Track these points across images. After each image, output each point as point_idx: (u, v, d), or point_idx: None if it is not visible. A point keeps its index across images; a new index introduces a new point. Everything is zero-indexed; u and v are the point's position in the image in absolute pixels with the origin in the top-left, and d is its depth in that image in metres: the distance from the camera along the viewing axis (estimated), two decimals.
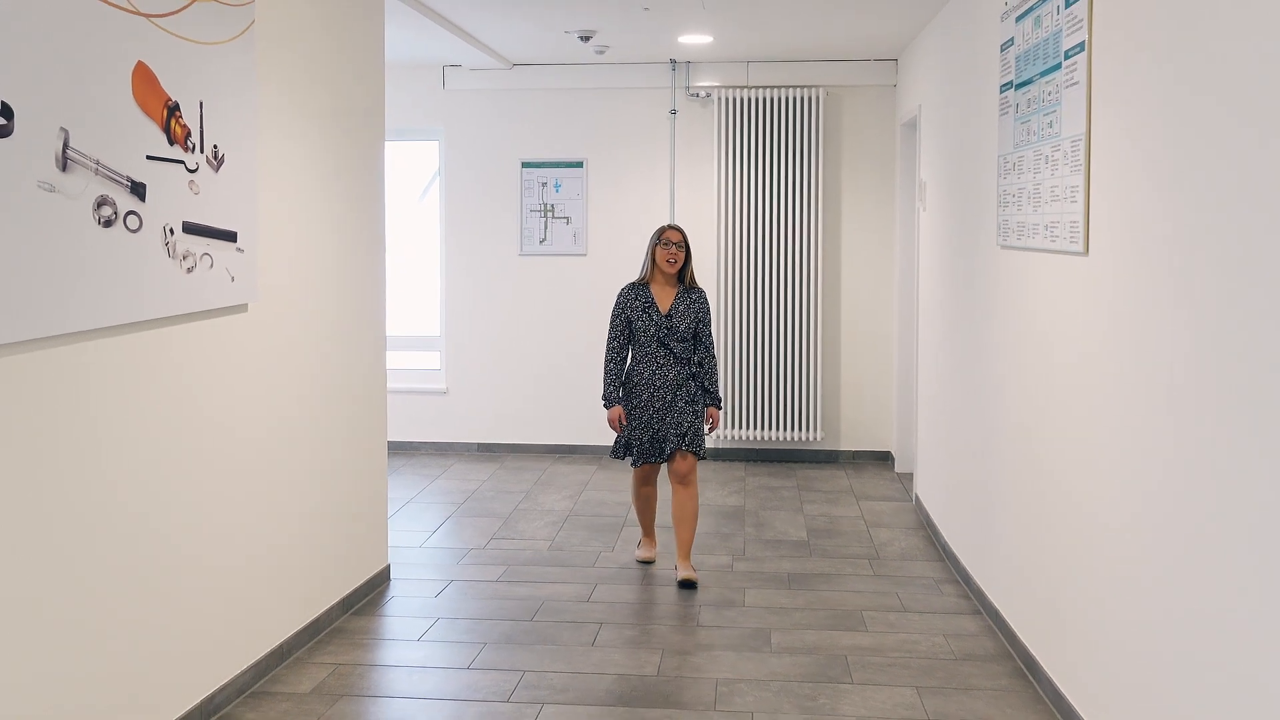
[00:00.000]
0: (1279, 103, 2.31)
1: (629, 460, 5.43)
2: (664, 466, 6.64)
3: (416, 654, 4.30)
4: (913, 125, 7.31)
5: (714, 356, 5.43)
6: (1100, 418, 3.38)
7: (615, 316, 5.36)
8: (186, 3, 3.32)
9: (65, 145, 2.78)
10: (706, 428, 5.41)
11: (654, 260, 5.34)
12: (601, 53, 7.48)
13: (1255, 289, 2.40)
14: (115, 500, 3.11)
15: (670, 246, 5.31)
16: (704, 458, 5.43)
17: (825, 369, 8.03)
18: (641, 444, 5.34)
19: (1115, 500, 3.25)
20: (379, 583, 5.13)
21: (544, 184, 8.18)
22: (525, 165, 8.17)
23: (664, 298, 5.35)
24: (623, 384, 5.36)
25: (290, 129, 4.17)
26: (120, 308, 3.04)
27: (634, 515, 6.02)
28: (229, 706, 3.72)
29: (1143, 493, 3.03)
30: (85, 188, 2.86)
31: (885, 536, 6.06)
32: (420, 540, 5.97)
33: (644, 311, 5.30)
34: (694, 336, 5.36)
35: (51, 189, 2.73)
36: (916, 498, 6.66)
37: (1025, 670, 4.10)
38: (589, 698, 3.86)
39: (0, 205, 2.55)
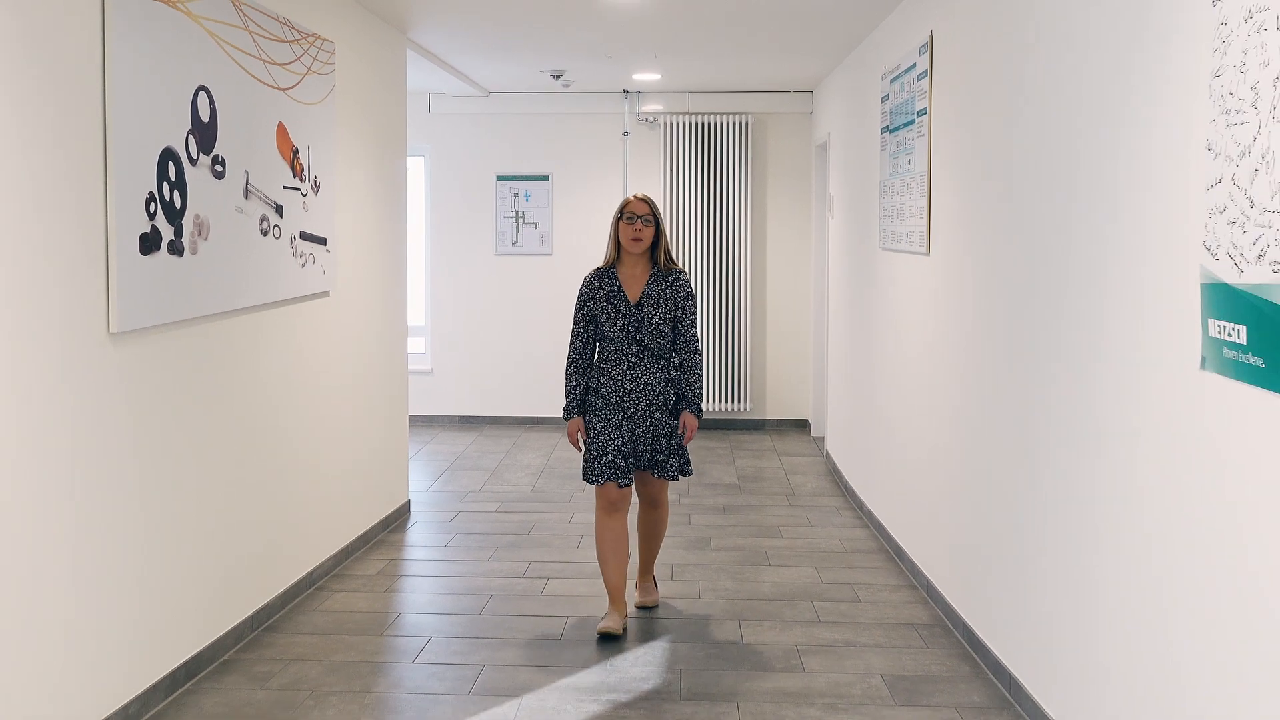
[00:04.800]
0: (1006, 162, 3.85)
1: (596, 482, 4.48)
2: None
3: (447, 554, 5.74)
4: (824, 148, 8.85)
5: (699, 355, 4.56)
6: (933, 373, 4.92)
7: (577, 310, 4.53)
8: (302, 78, 4.74)
9: (247, 182, 4.19)
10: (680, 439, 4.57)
11: (618, 239, 4.50)
12: (567, 85, 8.93)
13: (1009, 280, 3.95)
14: (261, 423, 4.52)
15: (635, 221, 4.45)
16: (689, 474, 4.65)
17: (753, 351, 9.56)
18: (605, 458, 4.45)
19: (933, 430, 4.79)
20: (403, 512, 6.53)
21: (515, 194, 9.62)
22: (499, 178, 9.60)
23: (634, 283, 4.51)
24: (587, 389, 4.56)
25: (352, 158, 5.58)
26: (270, 291, 4.45)
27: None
28: (322, 580, 5.14)
29: (952, 420, 4.57)
30: (255, 209, 4.28)
31: (800, 481, 7.58)
32: (426, 486, 7.37)
33: (609, 301, 4.47)
34: (673, 329, 4.52)
35: (240, 211, 4.14)
36: (827, 453, 8.19)
37: (895, 556, 5.63)
38: (580, 574, 5.33)
39: (220, 223, 3.96)
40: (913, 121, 5.31)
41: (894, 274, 5.81)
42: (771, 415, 9.63)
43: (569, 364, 4.54)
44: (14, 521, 2.94)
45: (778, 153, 9.51)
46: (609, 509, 4.51)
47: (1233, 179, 2.26)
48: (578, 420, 4.54)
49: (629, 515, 4.85)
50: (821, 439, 8.98)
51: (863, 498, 6.63)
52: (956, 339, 4.60)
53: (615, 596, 4.54)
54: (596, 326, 4.53)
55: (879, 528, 6.11)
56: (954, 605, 4.57)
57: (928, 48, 5.04)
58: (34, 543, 3.02)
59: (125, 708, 3.46)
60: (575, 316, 4.54)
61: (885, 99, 6.00)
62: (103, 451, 3.34)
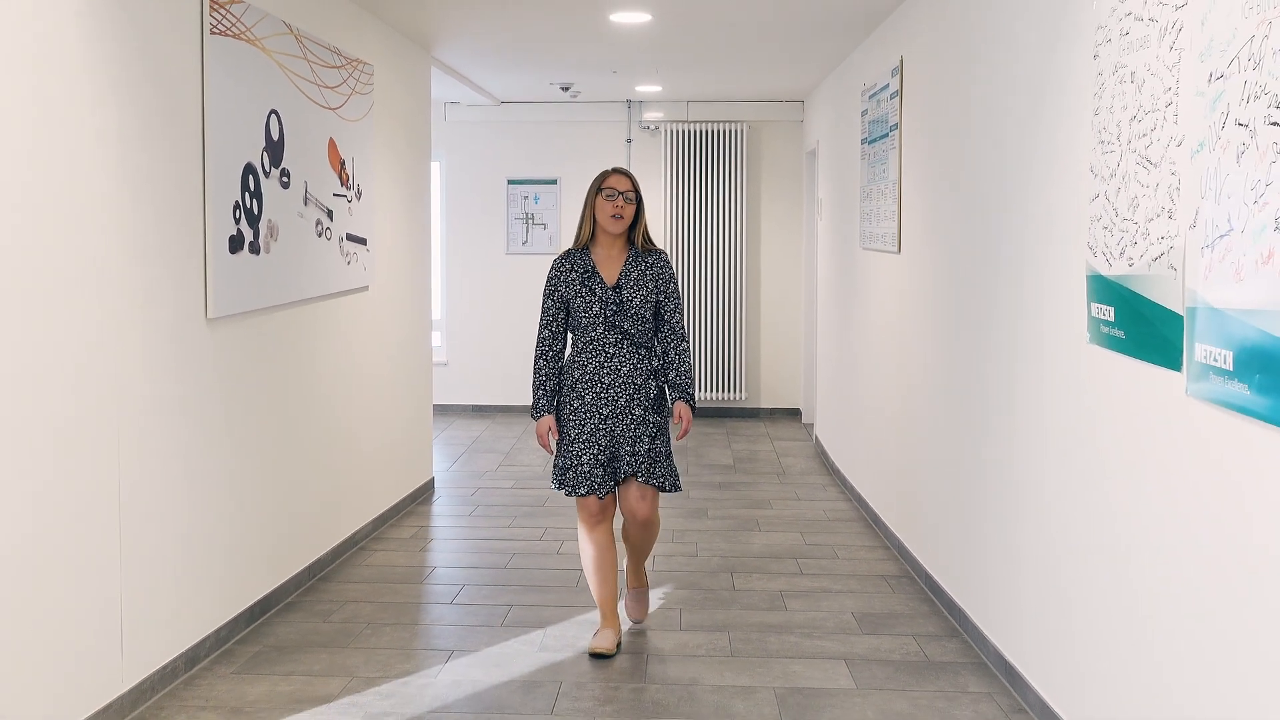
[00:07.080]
0: (956, 175, 4.52)
1: (566, 492, 4.10)
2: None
3: (470, 521, 6.41)
4: (814, 155, 9.52)
5: (685, 340, 4.17)
6: (901, 361, 5.58)
7: (546, 297, 4.11)
8: (348, 99, 5.40)
9: (306, 191, 4.86)
10: (676, 432, 4.19)
11: (594, 217, 4.10)
12: (574, 96, 9.60)
13: (957, 277, 4.62)
14: (314, 402, 5.18)
15: (616, 197, 4.06)
16: (678, 490, 4.18)
17: (748, 343, 10.24)
18: (581, 466, 4.05)
19: (902, 409, 5.46)
20: (428, 488, 7.20)
21: (525, 197, 10.30)
22: (510, 182, 10.28)
23: (610, 265, 4.11)
24: (559, 385, 4.15)
25: (386, 167, 6.25)
26: (323, 285, 5.12)
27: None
28: (363, 541, 5.81)
29: (915, 401, 5.24)
30: (312, 214, 4.95)
31: (790, 462, 8.25)
32: (446, 467, 8.04)
33: (583, 285, 4.06)
34: (655, 314, 4.15)
35: (301, 216, 4.81)
36: (816, 438, 8.86)
37: (872, 523, 6.30)
38: None
39: (286, 226, 4.63)
40: (887, 135, 5.97)
41: (871, 272, 6.48)
42: (765, 403, 10.31)
43: (537, 357, 4.14)
44: (144, 477, 3.60)
45: (771, 158, 10.18)
46: (592, 522, 4.16)
47: (1105, 194, 2.93)
48: (548, 419, 4.12)
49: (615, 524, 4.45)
50: (811, 425, 9.64)
51: (846, 475, 7.29)
52: (920, 330, 5.27)
53: (607, 613, 4.22)
54: (568, 315, 4.13)
55: (860, 500, 6.77)
56: (917, 557, 5.24)
57: (898, 70, 5.70)
58: (159, 493, 3.69)
59: (218, 631, 4.14)
60: (544, 304, 4.11)
61: (864, 113, 6.66)
62: (207, 420, 4.01)
